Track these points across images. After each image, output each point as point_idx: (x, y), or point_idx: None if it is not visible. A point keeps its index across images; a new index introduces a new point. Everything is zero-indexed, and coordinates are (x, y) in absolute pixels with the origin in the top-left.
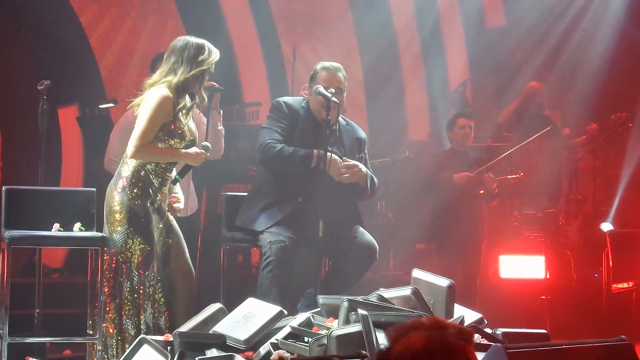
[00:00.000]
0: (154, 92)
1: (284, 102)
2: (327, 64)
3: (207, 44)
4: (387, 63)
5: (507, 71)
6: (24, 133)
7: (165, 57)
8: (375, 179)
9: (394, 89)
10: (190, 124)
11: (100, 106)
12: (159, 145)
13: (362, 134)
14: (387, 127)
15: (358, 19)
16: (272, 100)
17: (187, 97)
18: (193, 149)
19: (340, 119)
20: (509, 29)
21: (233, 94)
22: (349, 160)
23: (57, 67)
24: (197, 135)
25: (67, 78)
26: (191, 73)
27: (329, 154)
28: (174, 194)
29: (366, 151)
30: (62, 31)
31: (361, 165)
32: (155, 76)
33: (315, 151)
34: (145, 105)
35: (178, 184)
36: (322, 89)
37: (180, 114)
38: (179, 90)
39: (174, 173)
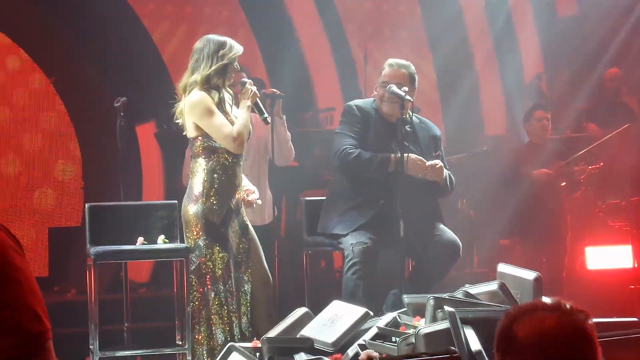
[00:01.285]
0: (191, 101)
1: (355, 105)
2: (392, 60)
3: (229, 40)
4: (460, 59)
5: (582, 61)
6: (103, 151)
7: (190, 58)
8: (452, 177)
9: (468, 84)
10: (235, 113)
11: (176, 121)
12: (211, 146)
13: (437, 131)
14: (463, 123)
15: (427, 16)
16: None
17: (215, 92)
18: (242, 96)
19: (414, 117)
20: (582, 17)
21: (306, 100)
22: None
23: (133, 84)
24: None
25: (143, 95)
26: (213, 68)
27: (406, 154)
28: (245, 188)
29: (442, 148)
30: (136, 48)
31: (439, 162)
32: (184, 78)
33: (392, 155)
34: (196, 113)
35: (249, 186)
36: (395, 88)
37: (221, 109)
38: (206, 86)
39: (242, 157)
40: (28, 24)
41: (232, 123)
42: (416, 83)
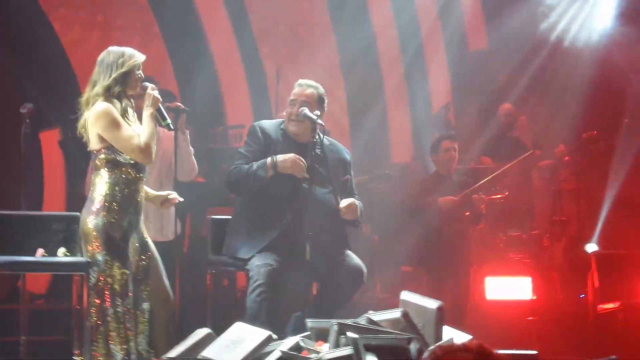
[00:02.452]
0: (96, 112)
1: (259, 126)
2: (302, 80)
3: (129, 49)
4: (371, 85)
5: (489, 94)
6: (5, 157)
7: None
8: (361, 206)
9: (377, 111)
10: (137, 125)
11: (81, 137)
12: (122, 156)
13: (347, 155)
14: (370, 149)
15: (341, 41)
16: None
17: (117, 102)
18: (146, 99)
19: (324, 139)
20: (492, 51)
21: (216, 116)
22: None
23: (39, 91)
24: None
25: (49, 101)
26: (112, 77)
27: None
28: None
29: (352, 173)
30: (44, 54)
31: (353, 200)
32: (86, 91)
33: (268, 159)
34: (101, 124)
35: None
36: (307, 111)
37: (125, 118)
38: (108, 96)
39: (146, 173)
40: None
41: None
42: (325, 105)
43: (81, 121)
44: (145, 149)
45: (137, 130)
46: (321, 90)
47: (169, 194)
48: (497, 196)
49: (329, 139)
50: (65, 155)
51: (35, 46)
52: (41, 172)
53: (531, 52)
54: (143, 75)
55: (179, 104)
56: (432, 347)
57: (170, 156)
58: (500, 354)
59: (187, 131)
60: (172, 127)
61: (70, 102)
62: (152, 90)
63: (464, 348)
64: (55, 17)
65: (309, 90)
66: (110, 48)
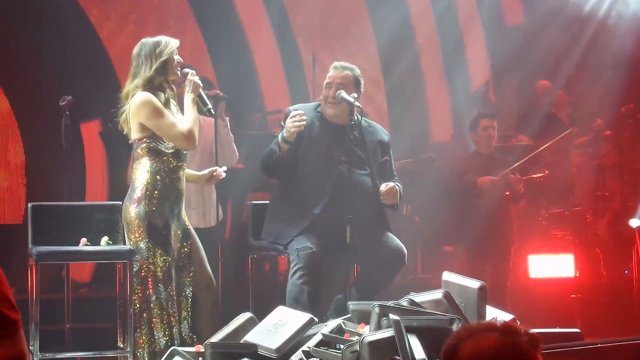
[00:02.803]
0: (135, 103)
1: (294, 110)
2: (337, 63)
3: (163, 37)
4: (408, 66)
5: (528, 70)
6: (47, 149)
7: (130, 66)
8: (401, 187)
9: (416, 91)
10: (178, 116)
11: (121, 112)
12: (163, 145)
13: (386, 136)
14: (409, 129)
15: (377, 22)
16: None
17: (160, 93)
18: (186, 87)
19: (363, 121)
20: (529, 27)
21: (255, 103)
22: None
23: (79, 83)
24: None
25: (88, 93)
26: (153, 68)
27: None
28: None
29: (391, 154)
30: (82, 46)
31: (393, 184)
32: (126, 86)
33: (279, 135)
34: (143, 114)
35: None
36: (344, 94)
37: (168, 109)
38: (150, 88)
39: (186, 161)
40: None
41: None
42: (361, 86)
43: (122, 116)
44: (189, 135)
45: (180, 119)
46: (357, 71)
47: (213, 170)
48: (537, 175)
49: (367, 120)
50: (106, 145)
51: (72, 38)
52: (83, 163)
53: (568, 26)
54: (181, 59)
55: (218, 91)
56: (457, 329)
57: (211, 144)
58: (528, 332)
59: (227, 118)
60: (213, 113)
61: (109, 93)
62: (192, 77)
63: (489, 328)
64: (91, 9)
65: (345, 72)
66: (144, 40)
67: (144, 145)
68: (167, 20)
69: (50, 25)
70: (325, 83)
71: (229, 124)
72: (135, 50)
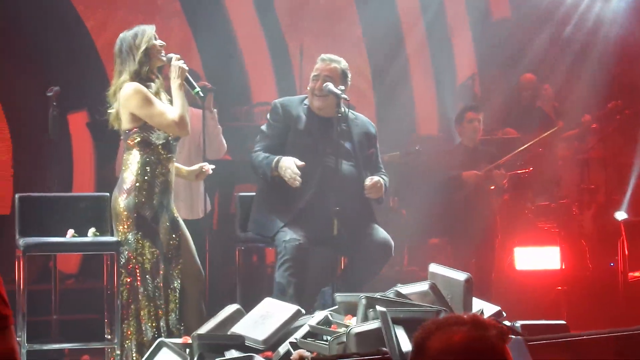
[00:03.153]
0: (126, 90)
1: (280, 104)
2: (325, 55)
3: (138, 27)
4: (395, 58)
5: (514, 63)
6: (34, 140)
7: (114, 64)
8: (386, 180)
9: (402, 84)
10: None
11: (109, 111)
12: (154, 135)
13: (372, 128)
14: (396, 122)
15: (364, 14)
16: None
17: (149, 84)
18: (172, 70)
19: (350, 113)
20: (515, 20)
21: (241, 94)
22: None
23: (66, 73)
24: None
25: (76, 84)
26: (137, 60)
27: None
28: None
29: (377, 146)
30: (69, 37)
31: (378, 178)
32: (113, 83)
33: (274, 160)
34: (133, 103)
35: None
36: (331, 87)
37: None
38: (137, 80)
39: (175, 153)
40: None
41: None
42: (349, 79)
43: (113, 113)
44: (180, 122)
45: (169, 107)
46: (344, 64)
47: (202, 166)
48: (522, 171)
49: (354, 112)
50: (94, 136)
51: (59, 29)
52: (70, 154)
53: (554, 21)
54: (163, 43)
55: (206, 83)
56: (425, 322)
57: (199, 135)
58: (497, 325)
59: (215, 110)
60: (201, 95)
61: (96, 84)
62: (177, 61)
63: (458, 321)
64: (78, 0)
65: (332, 65)
66: (121, 35)
67: (135, 135)
68: (154, 12)
69: (36, 15)
70: (312, 75)
71: (216, 116)
72: (116, 47)
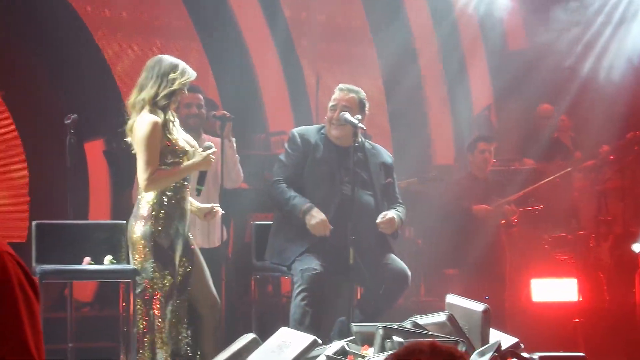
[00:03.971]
0: (141, 121)
1: (297, 133)
2: (343, 85)
3: (182, 64)
4: (410, 88)
5: (531, 94)
6: (51, 168)
7: (141, 74)
8: (402, 215)
9: (418, 113)
10: (181, 135)
11: (126, 139)
12: (166, 168)
13: (389, 158)
14: (412, 151)
15: (380, 45)
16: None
17: (161, 112)
18: (197, 155)
19: (366, 143)
20: (532, 51)
21: (258, 123)
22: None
23: (83, 102)
24: (196, 144)
25: (92, 112)
26: (161, 88)
27: (310, 209)
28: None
29: (394, 176)
30: (88, 65)
31: (392, 213)
32: (132, 95)
33: (302, 208)
34: (138, 136)
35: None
36: (347, 116)
37: (169, 129)
38: (153, 106)
39: (190, 181)
40: None
41: (178, 146)
42: (366, 109)
43: (129, 123)
44: (147, 186)
45: (181, 137)
46: (362, 94)
47: (212, 207)
48: (532, 208)
49: (371, 142)
50: (110, 164)
51: (77, 58)
52: (86, 181)
53: (570, 51)
54: (194, 88)
55: (225, 112)
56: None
57: (217, 164)
58: (461, 355)
59: (234, 139)
60: (198, 194)
61: (113, 112)
62: (209, 151)
63: (422, 350)
64: (96, 30)
65: (350, 95)
66: (164, 56)
67: None
68: (172, 41)
69: (55, 44)
70: (330, 105)
71: (235, 145)
72: (150, 63)
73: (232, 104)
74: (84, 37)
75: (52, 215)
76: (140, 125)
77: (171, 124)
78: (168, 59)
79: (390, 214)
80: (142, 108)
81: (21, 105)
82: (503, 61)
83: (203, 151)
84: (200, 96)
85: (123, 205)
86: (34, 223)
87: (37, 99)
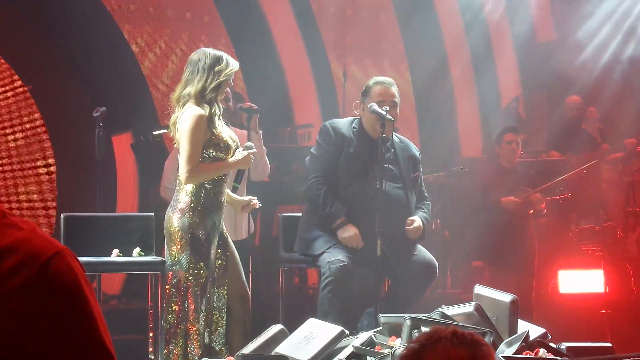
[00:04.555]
0: (187, 114)
1: (331, 126)
2: (380, 78)
3: (225, 55)
4: (438, 80)
5: (559, 86)
6: (79, 160)
7: (185, 70)
8: (428, 216)
9: (446, 106)
10: (225, 129)
11: (154, 132)
12: (208, 162)
13: (417, 151)
14: (439, 144)
15: (407, 37)
16: (323, 121)
17: (207, 106)
18: (238, 153)
19: (394, 136)
20: (560, 43)
21: (285, 116)
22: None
23: (111, 95)
24: (237, 139)
25: (120, 106)
26: (208, 82)
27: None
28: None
29: (421, 170)
30: (116, 59)
31: (419, 219)
32: (177, 90)
33: (342, 218)
34: (183, 129)
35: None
36: (376, 107)
37: (214, 122)
38: (200, 99)
39: (229, 174)
40: (7, 31)
41: (221, 140)
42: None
43: (172, 118)
44: (187, 180)
45: (226, 131)
46: (396, 86)
47: (250, 200)
48: (560, 197)
49: (398, 135)
50: (138, 158)
51: (105, 51)
52: (114, 175)
53: (599, 43)
54: (232, 84)
55: (252, 104)
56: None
57: None
58: (486, 343)
59: (260, 131)
60: (234, 192)
61: (140, 106)
62: (248, 151)
63: (446, 337)
64: (124, 24)
65: (393, 88)
66: (206, 50)
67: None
68: (200, 36)
69: (83, 38)
70: (376, 99)
71: (262, 137)
72: (194, 56)
73: (258, 97)
74: (111, 31)
75: (79, 208)
76: (185, 118)
77: (217, 117)
78: (211, 51)
79: (417, 221)
80: (187, 102)
81: (49, 100)
82: (531, 53)
83: (244, 150)
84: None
85: (151, 198)
86: (62, 216)
87: (64, 93)
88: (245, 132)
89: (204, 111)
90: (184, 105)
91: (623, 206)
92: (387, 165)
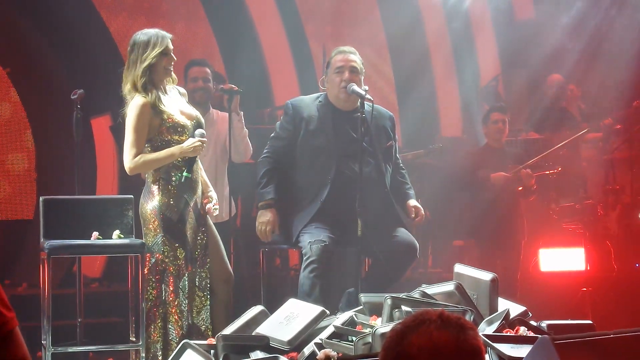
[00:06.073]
0: (130, 105)
1: (292, 104)
2: (341, 47)
3: (153, 36)
4: (418, 60)
5: (538, 64)
6: (58, 143)
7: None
8: (407, 180)
9: (425, 85)
10: (178, 109)
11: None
12: (164, 146)
13: (388, 119)
14: (419, 124)
15: (387, 16)
16: None
17: (154, 89)
18: (187, 142)
19: (365, 105)
20: (538, 21)
21: (264, 96)
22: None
23: (89, 77)
24: (199, 114)
25: (99, 88)
26: (140, 70)
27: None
28: (207, 195)
29: (396, 138)
30: (93, 41)
31: (414, 201)
32: (124, 87)
33: (267, 200)
34: (127, 120)
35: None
36: (355, 87)
37: (159, 106)
38: (144, 84)
39: (200, 166)
40: None
41: (174, 121)
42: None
43: (125, 110)
44: (131, 170)
45: (178, 109)
46: (358, 55)
47: (205, 203)
48: (550, 172)
49: (369, 104)
50: (117, 140)
51: (83, 33)
52: (94, 157)
53: (578, 20)
54: (174, 58)
55: (233, 85)
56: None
57: (225, 138)
58: (473, 327)
59: (242, 112)
60: (183, 181)
61: (119, 88)
62: (198, 139)
63: (431, 319)
64: (102, 5)
65: (352, 56)
66: (135, 36)
67: (147, 145)
68: (178, 15)
69: (61, 21)
70: (335, 67)
71: (243, 119)
72: (129, 46)
73: (238, 78)
74: (89, 13)
75: (59, 191)
76: (129, 109)
77: (162, 99)
78: (140, 37)
79: (417, 205)
80: (133, 95)
81: (27, 82)
82: (510, 31)
83: (196, 137)
84: (207, 70)
85: (130, 182)
86: (41, 199)
87: (42, 76)
88: (226, 113)
89: (146, 99)
90: (132, 97)
91: (603, 184)
92: (365, 145)
